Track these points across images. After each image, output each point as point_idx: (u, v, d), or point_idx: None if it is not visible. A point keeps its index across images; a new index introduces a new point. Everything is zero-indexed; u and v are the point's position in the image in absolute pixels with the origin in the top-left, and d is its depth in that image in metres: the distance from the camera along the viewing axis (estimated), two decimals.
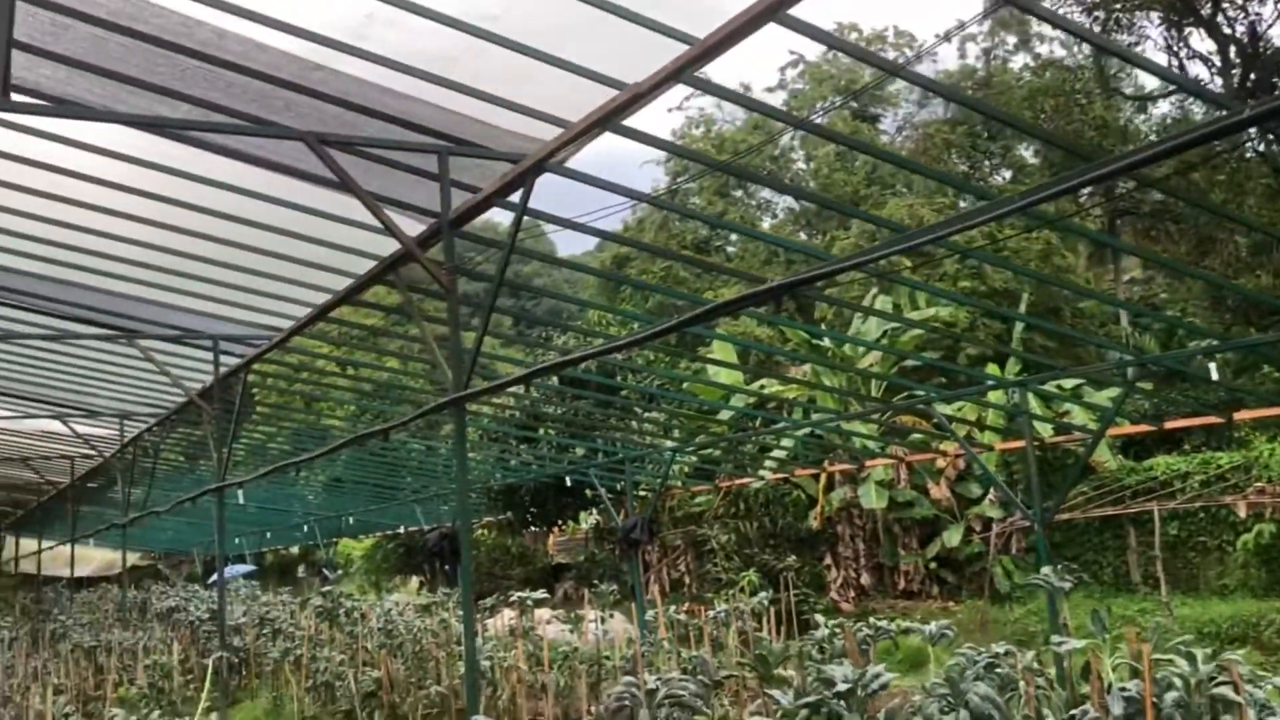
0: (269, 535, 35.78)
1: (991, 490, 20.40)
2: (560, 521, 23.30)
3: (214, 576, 36.27)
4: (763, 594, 14.93)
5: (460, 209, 8.39)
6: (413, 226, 9.46)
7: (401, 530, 31.89)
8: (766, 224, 34.80)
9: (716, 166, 27.78)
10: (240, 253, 11.32)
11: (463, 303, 10.11)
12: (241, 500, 14.95)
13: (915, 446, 19.63)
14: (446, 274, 8.12)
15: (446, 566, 22.58)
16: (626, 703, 7.19)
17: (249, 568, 36.28)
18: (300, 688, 14.02)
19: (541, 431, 19.68)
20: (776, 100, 35.44)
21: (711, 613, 14.25)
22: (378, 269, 9.33)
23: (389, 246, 10.38)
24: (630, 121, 7.16)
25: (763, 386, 22.80)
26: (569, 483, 19.33)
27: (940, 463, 20.58)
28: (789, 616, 17.10)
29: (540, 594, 13.59)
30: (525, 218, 7.77)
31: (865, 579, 21.49)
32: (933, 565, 20.85)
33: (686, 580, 24.56)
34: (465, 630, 7.87)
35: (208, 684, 13.68)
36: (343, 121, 8.36)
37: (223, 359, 14.28)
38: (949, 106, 32.84)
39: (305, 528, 31.82)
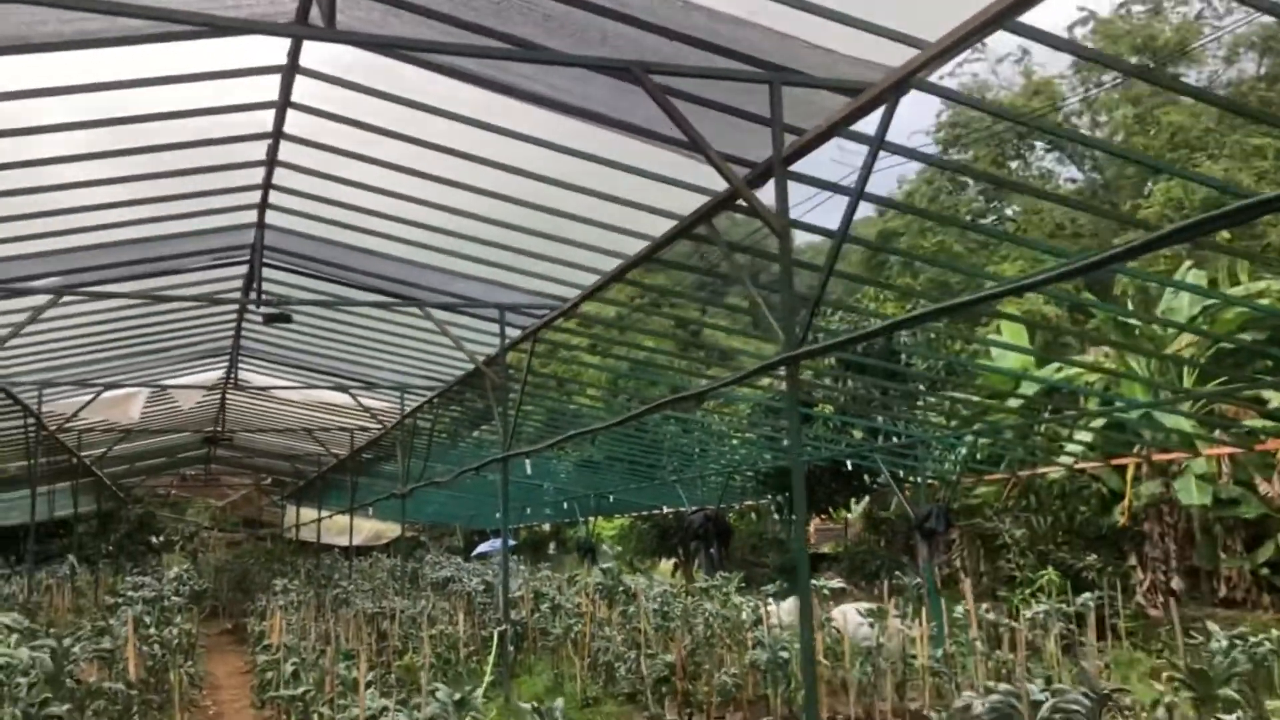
0: (528, 511, 36.35)
1: None
2: (829, 509, 22.17)
3: (477, 549, 37.36)
4: (1087, 595, 13.33)
5: (794, 146, 7.44)
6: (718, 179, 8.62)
7: (660, 511, 31.55)
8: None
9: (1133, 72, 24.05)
10: (531, 213, 10.89)
11: (716, 276, 9.27)
12: (529, 471, 14.68)
13: (1240, 439, 17.34)
14: (780, 219, 7.20)
15: (711, 549, 21.90)
16: (1006, 712, 6.09)
17: (511, 541, 37.09)
18: (582, 667, 13.59)
19: (818, 410, 18.59)
20: (1064, 63, 32.82)
21: (1028, 613, 12.80)
22: (701, 212, 8.49)
23: (690, 204, 9.62)
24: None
25: (1059, 369, 20.84)
26: (849, 466, 18.18)
27: None
28: (1098, 622, 15.37)
29: (837, 583, 12.55)
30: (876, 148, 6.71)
31: (1176, 583, 19.23)
32: (1264, 571, 18.38)
33: (962, 577, 22.91)
34: (802, 621, 6.94)
35: (493, 656, 13.46)
36: (662, 54, 7.59)
37: (508, 329, 14.06)
38: (1263, 61, 29.36)
39: (564, 504, 32.02)
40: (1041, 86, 32.62)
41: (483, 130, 8.98)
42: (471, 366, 15.70)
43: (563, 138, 9.15)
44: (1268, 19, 30.15)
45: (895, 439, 17.52)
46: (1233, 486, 18.73)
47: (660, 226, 10.21)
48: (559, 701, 7.04)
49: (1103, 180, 31.56)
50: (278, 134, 9.57)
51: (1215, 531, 19.11)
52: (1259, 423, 18.50)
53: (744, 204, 7.74)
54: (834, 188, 8.10)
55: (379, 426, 22.44)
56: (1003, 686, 6.66)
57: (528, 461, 13.54)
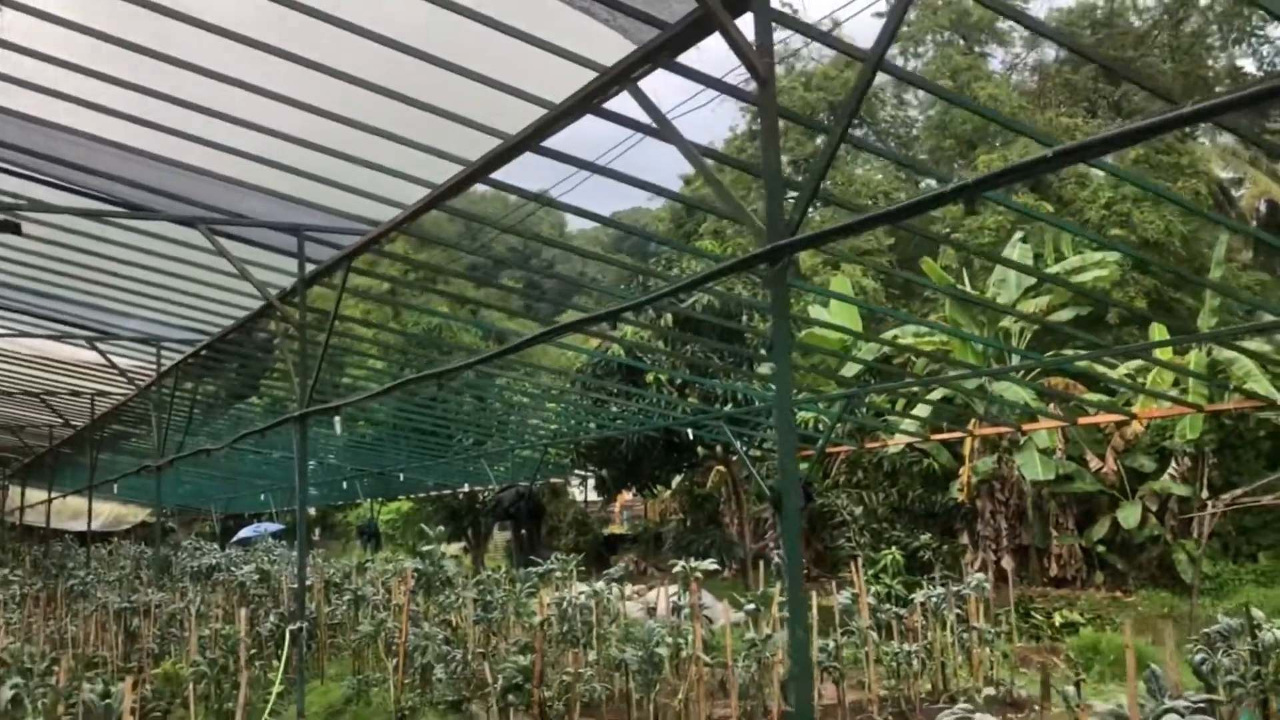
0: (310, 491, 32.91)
1: (1173, 464, 17.49)
2: (652, 485, 20.38)
3: (238, 534, 33.45)
4: (979, 576, 12.02)
5: None
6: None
7: (450, 492, 28.95)
8: (859, 171, 31.71)
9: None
10: (338, 128, 8.47)
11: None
12: (338, 430, 11.97)
13: (1074, 413, 16.73)
14: (763, 57, 5.16)
15: (522, 530, 19.66)
16: None
17: (276, 526, 33.41)
18: (399, 672, 11.14)
19: (652, 378, 16.71)
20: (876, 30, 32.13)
21: (919, 596, 11.34)
22: (629, 62, 6.23)
23: (572, 84, 7.41)
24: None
25: (896, 337, 19.86)
26: (690, 435, 16.38)
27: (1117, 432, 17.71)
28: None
29: (709, 564, 10.67)
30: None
31: (1007, 562, 18.57)
32: (1099, 549, 17.92)
33: (775, 558, 21.71)
34: (791, 612, 4.97)
35: (284, 660, 10.82)
36: None
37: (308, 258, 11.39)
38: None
39: (343, 485, 28.88)
40: (851, 63, 32.04)
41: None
42: (258, 306, 12.87)
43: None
44: (1062, 2, 30.66)
45: (738, 404, 15.87)
46: (1066, 462, 18.22)
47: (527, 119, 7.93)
48: None
49: (926, 154, 31.29)
50: None
51: (1047, 509, 18.57)
52: (1091, 396, 18.05)
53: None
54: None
55: (129, 388, 18.89)
56: (1112, 705, 4.92)
57: (338, 421, 10.91)
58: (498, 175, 8.62)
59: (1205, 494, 17.11)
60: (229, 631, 11.11)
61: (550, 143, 7.65)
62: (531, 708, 9.09)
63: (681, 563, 10.61)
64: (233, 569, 17.26)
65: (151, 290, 13.82)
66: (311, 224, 11.27)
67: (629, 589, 15.14)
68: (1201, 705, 5.02)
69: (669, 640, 9.66)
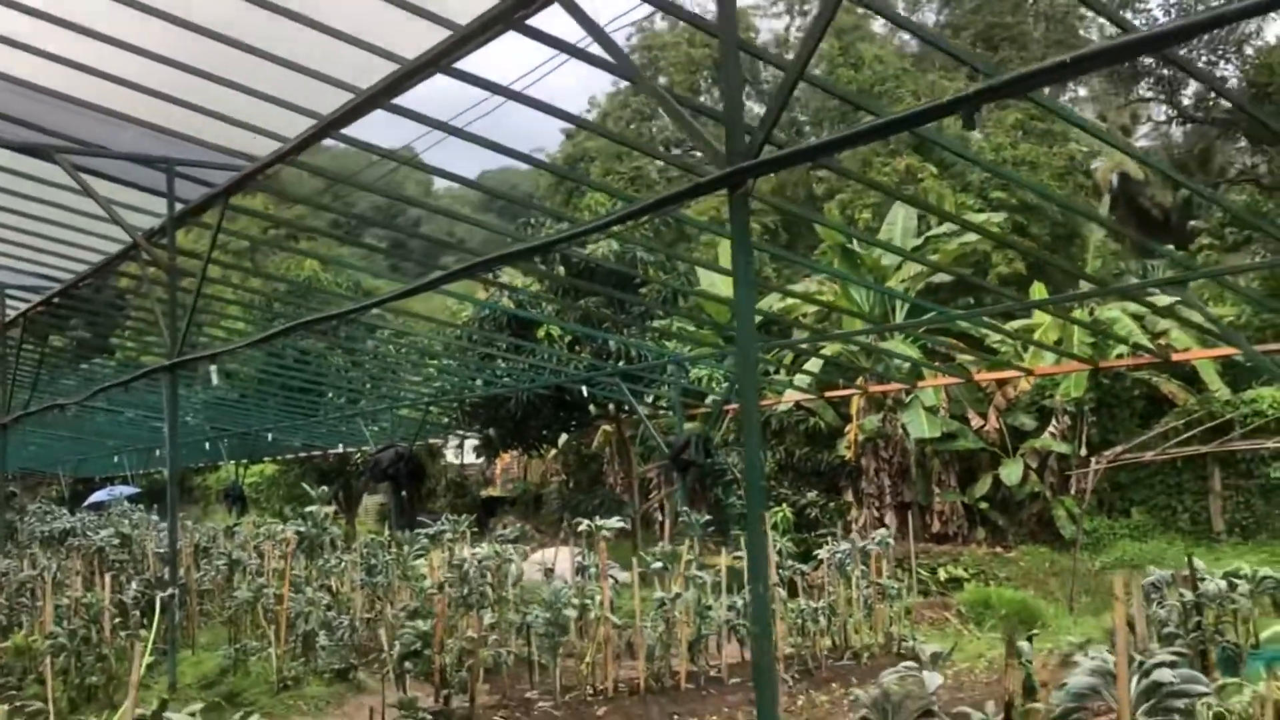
0: (158, 453, 31.12)
1: (1053, 422, 17.86)
2: (538, 444, 19.82)
3: (90, 498, 31.52)
4: (882, 531, 11.93)
5: None
6: None
7: (321, 454, 27.85)
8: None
9: None
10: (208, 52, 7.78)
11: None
12: (216, 381, 11.06)
13: (954, 372, 16.91)
14: None
15: (402, 491, 18.90)
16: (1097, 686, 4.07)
17: (131, 489, 31.60)
18: (279, 641, 10.42)
19: (543, 333, 16.15)
20: None
21: (824, 553, 11.16)
22: None
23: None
24: None
25: (782, 299, 19.75)
26: (585, 393, 15.88)
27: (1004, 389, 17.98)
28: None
29: (615, 522, 10.25)
30: None
31: (890, 519, 18.71)
32: (982, 506, 18.20)
33: (660, 517, 21.50)
34: (752, 568, 4.60)
35: (153, 630, 10.00)
36: None
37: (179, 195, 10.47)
38: (943, 11, 30.17)
39: (206, 446, 27.44)
40: (740, 16, 31.82)
41: None
42: (117, 249, 11.83)
43: None
44: None
45: (631, 360, 15.48)
46: (950, 421, 18.43)
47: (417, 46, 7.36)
48: None
49: (807, 118, 31.27)
50: None
51: (930, 467, 18.78)
52: (969, 356, 18.28)
53: None
54: None
55: None
56: (1092, 655, 4.66)
57: (213, 370, 10.05)
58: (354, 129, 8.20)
59: (1084, 451, 17.53)
60: (91, 600, 10.19)
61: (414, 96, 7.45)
62: (431, 675, 8.55)
63: (587, 522, 10.17)
64: (88, 534, 16.04)
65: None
66: (183, 157, 10.39)
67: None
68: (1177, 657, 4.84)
69: (574, 602, 9.23)
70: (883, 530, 12.33)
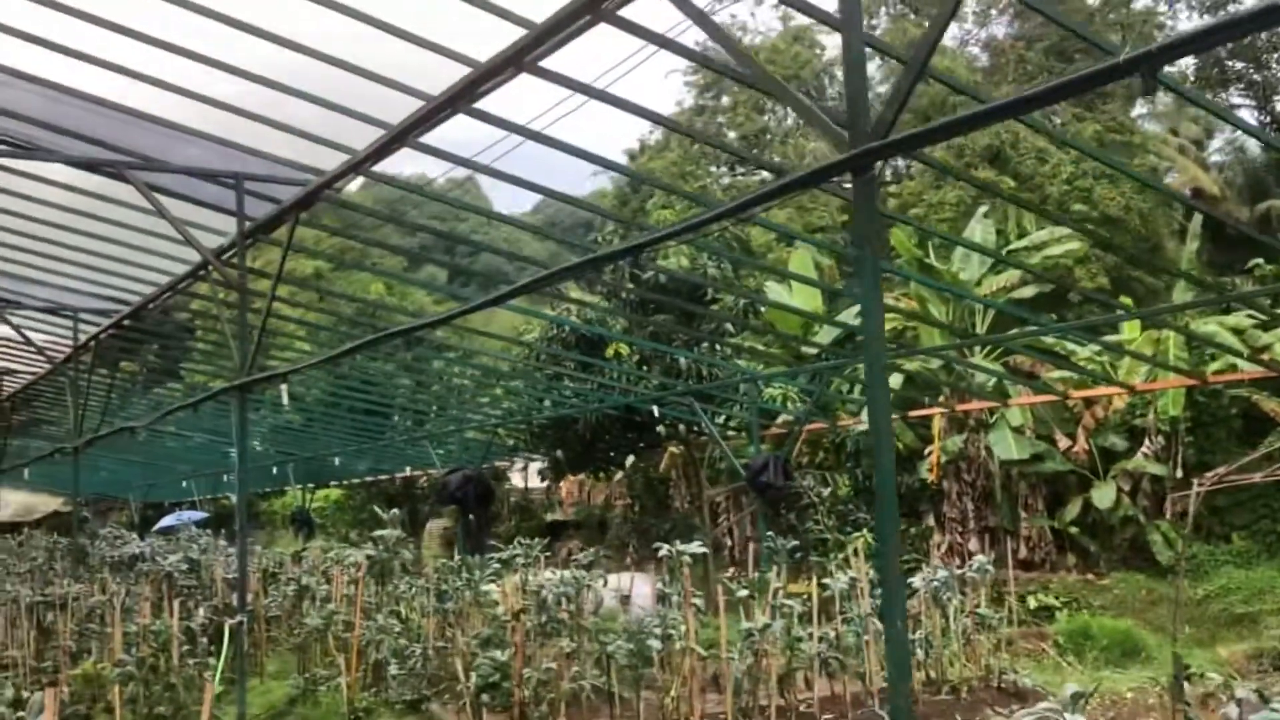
0: (226, 479, 31.22)
1: (1146, 442, 17.02)
2: (606, 467, 19.39)
3: (160, 523, 31.70)
4: (980, 558, 11.30)
5: None
6: None
7: (388, 478, 27.68)
8: (811, 144, 30.90)
9: None
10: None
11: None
12: (286, 402, 10.79)
13: (1047, 389, 16.18)
14: None
15: (470, 515, 18.57)
16: None
17: (200, 514, 31.73)
18: (349, 670, 10.06)
19: (611, 351, 15.73)
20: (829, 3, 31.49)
21: (919, 581, 10.54)
22: None
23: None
24: None
25: (859, 315, 19.15)
26: (656, 413, 15.42)
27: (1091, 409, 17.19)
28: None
29: (696, 546, 9.74)
30: None
31: (974, 545, 17.95)
32: (1071, 530, 17.37)
33: (729, 543, 20.90)
34: (888, 600, 4.09)
35: (223, 657, 9.69)
36: None
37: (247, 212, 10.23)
38: (1016, 22, 29.46)
39: (273, 470, 27.41)
40: (801, 33, 31.34)
41: None
42: (185, 269, 11.65)
43: None
44: None
45: (703, 379, 14.97)
46: (1036, 442, 17.67)
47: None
48: None
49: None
50: None
51: (1016, 490, 18.01)
52: (1057, 374, 17.55)
53: None
54: None
55: (41, 363, 17.41)
56: None
57: (283, 390, 9.77)
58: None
59: (1179, 473, 16.67)
60: (159, 627, 9.91)
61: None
62: (511, 708, 8.11)
63: (666, 547, 9.68)
64: (157, 559, 15.90)
65: (63, 252, 12.51)
66: (252, 172, 10.17)
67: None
68: None
69: (658, 632, 8.74)
70: (981, 557, 11.67)
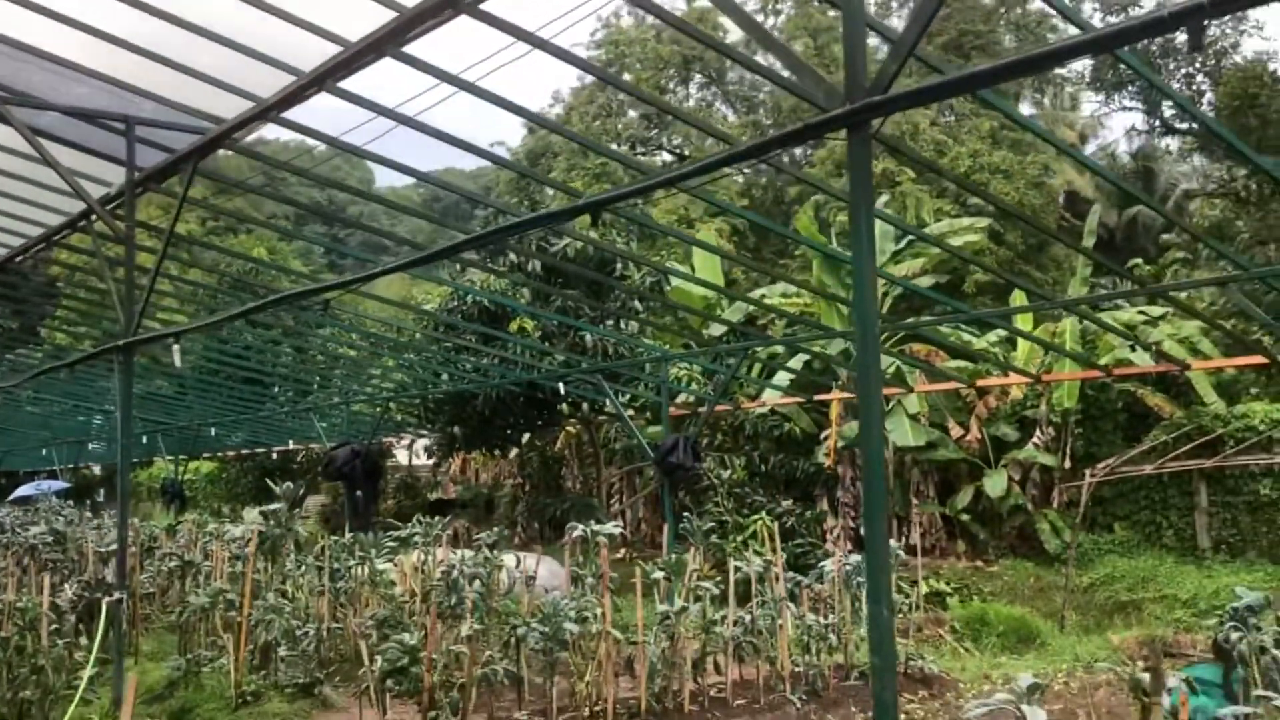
0: (91, 447, 29.60)
1: (1037, 433, 17.39)
2: (501, 445, 18.88)
3: (16, 492, 29.84)
4: (891, 543, 11.22)
5: None
6: None
7: (265, 450, 26.61)
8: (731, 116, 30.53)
9: None
10: None
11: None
12: (178, 363, 10.03)
13: (949, 376, 16.37)
14: None
15: (358, 491, 17.87)
16: None
17: (60, 484, 29.97)
18: (239, 650, 9.45)
19: (516, 325, 15.28)
20: None
21: (831, 565, 10.43)
22: None
23: None
24: None
25: (764, 296, 19.07)
26: (562, 390, 15.02)
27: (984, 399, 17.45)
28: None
29: (611, 527, 9.43)
30: None
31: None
32: (963, 518, 17.64)
33: (643, 525, 20.68)
34: (872, 585, 3.84)
35: (98, 639, 8.98)
36: None
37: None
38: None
39: (143, 440, 26.04)
40: (705, 14, 31.14)
41: None
42: (69, 217, 10.76)
43: None
44: None
45: (609, 356, 14.66)
46: (931, 430, 17.88)
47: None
48: None
49: (770, 121, 30.62)
50: None
51: (909, 477, 18.22)
52: (953, 363, 17.80)
53: None
54: None
55: None
56: None
57: (176, 350, 9.05)
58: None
59: (1068, 464, 17.09)
60: (26, 603, 9.13)
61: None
62: (420, 694, 7.65)
63: (582, 527, 9.34)
64: (17, 530, 14.84)
65: None
66: (144, 117, 9.42)
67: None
68: None
69: (573, 614, 8.40)
70: (892, 542, 11.63)
